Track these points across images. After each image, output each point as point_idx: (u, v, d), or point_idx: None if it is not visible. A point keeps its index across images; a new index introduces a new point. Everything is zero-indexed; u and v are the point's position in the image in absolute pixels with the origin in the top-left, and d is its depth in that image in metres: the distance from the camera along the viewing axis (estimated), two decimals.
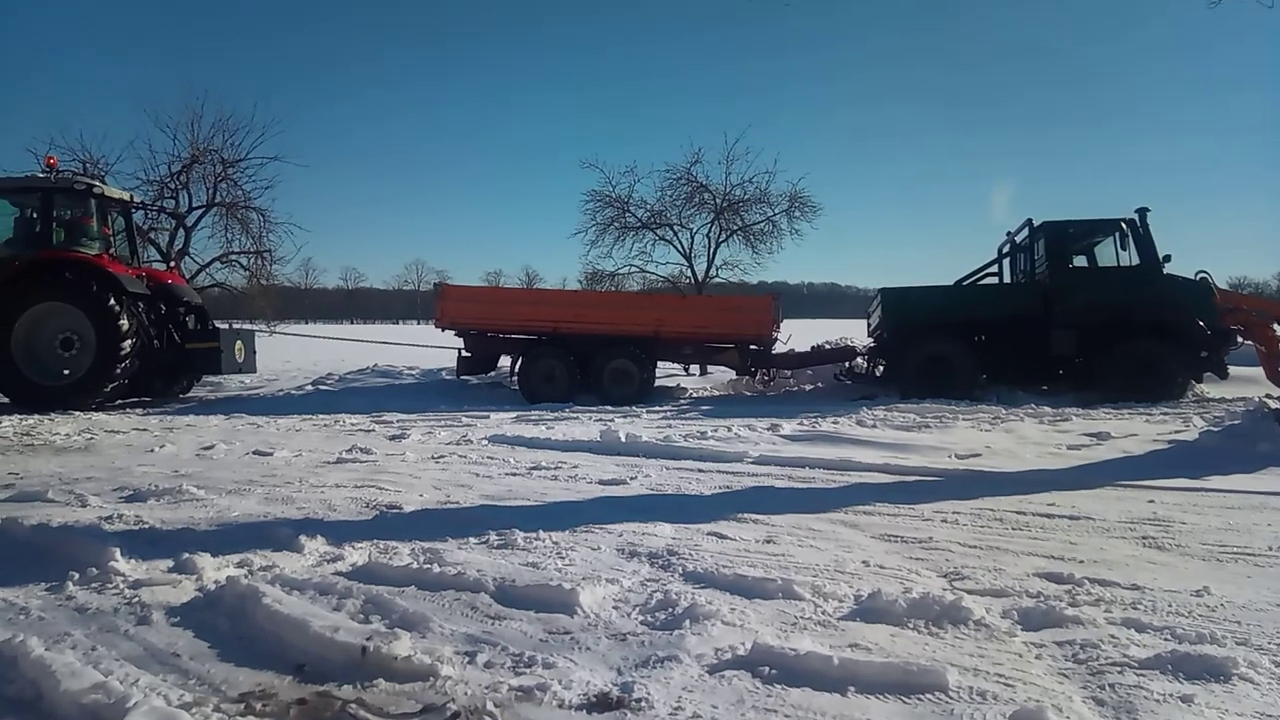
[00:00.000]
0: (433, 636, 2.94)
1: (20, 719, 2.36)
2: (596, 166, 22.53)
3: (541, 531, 4.36)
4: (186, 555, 3.81)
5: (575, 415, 11.20)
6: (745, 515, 4.81)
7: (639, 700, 2.41)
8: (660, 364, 14.59)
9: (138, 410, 12.47)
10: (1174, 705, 2.37)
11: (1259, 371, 12.31)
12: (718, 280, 22.68)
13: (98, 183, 13.72)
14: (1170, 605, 3.23)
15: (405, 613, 3.13)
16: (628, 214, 22.33)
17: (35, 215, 12.88)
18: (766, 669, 2.62)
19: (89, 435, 9.10)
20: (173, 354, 13.50)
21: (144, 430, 9.65)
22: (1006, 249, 14.57)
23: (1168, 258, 12.51)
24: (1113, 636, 2.88)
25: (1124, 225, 12.61)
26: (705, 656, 2.75)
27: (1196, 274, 12.61)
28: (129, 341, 12.36)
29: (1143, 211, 12.59)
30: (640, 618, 3.14)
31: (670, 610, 3.17)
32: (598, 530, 4.47)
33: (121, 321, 12.26)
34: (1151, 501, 5.19)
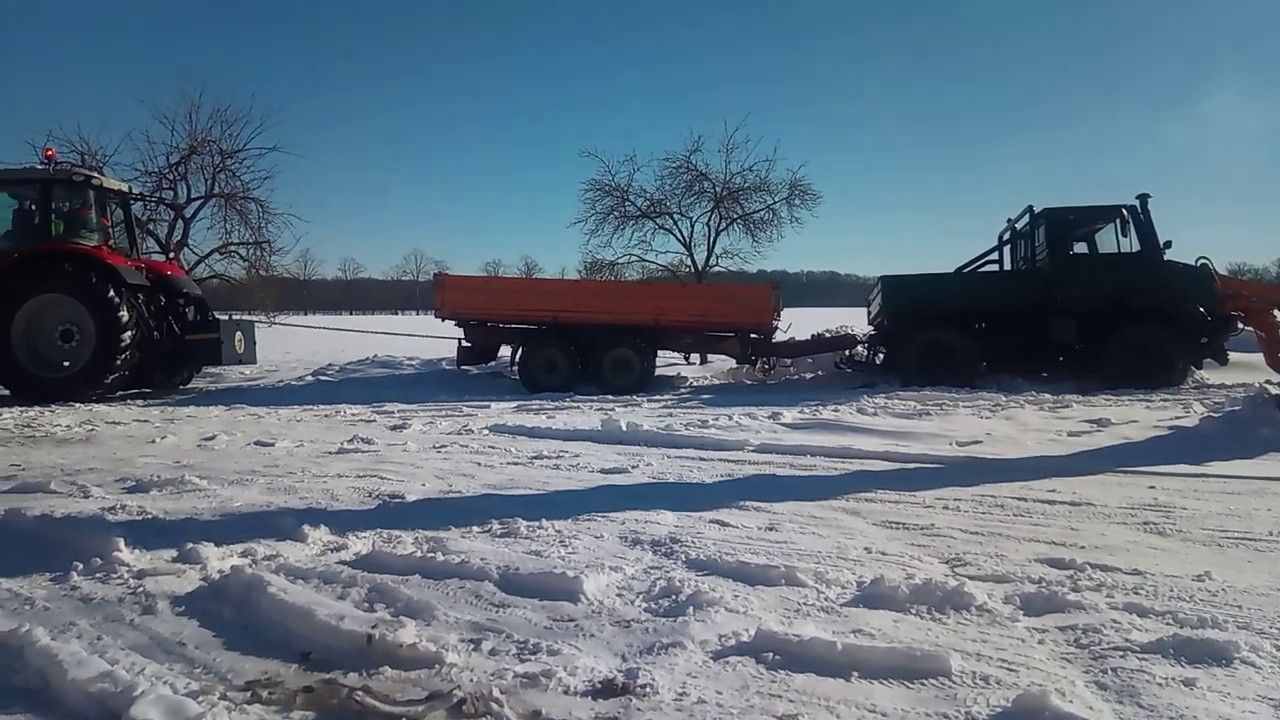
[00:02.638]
0: (437, 624, 2.95)
1: (27, 708, 2.37)
2: (596, 155, 22.50)
3: (544, 520, 4.37)
4: (190, 545, 3.82)
5: (576, 405, 11.21)
6: (747, 503, 4.82)
7: (644, 686, 2.42)
8: (661, 353, 14.59)
9: (138, 401, 12.47)
10: (1176, 689, 2.38)
11: (1259, 357, 12.38)
12: (717, 269, 22.69)
13: (96, 174, 13.68)
14: (1172, 590, 3.24)
15: (410, 601, 3.14)
16: (627, 203, 22.32)
17: (34, 207, 12.83)
18: (770, 655, 2.63)
19: (90, 426, 9.10)
20: (173, 345, 13.48)
21: (145, 421, 9.65)
22: (1007, 236, 14.56)
23: (1168, 244, 12.50)
24: (1115, 621, 2.89)
25: (1125, 212, 12.59)
26: (709, 643, 2.76)
27: (1197, 260, 12.63)
28: (129, 333, 12.35)
29: (1143, 198, 12.58)
30: (644, 605, 3.15)
31: (674, 597, 3.18)
32: (600, 518, 4.48)
33: (121, 313, 12.25)
34: (1152, 487, 5.21)
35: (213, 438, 7.97)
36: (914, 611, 3.04)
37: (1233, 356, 12.54)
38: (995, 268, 14.54)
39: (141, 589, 3.37)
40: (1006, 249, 14.60)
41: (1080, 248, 13.50)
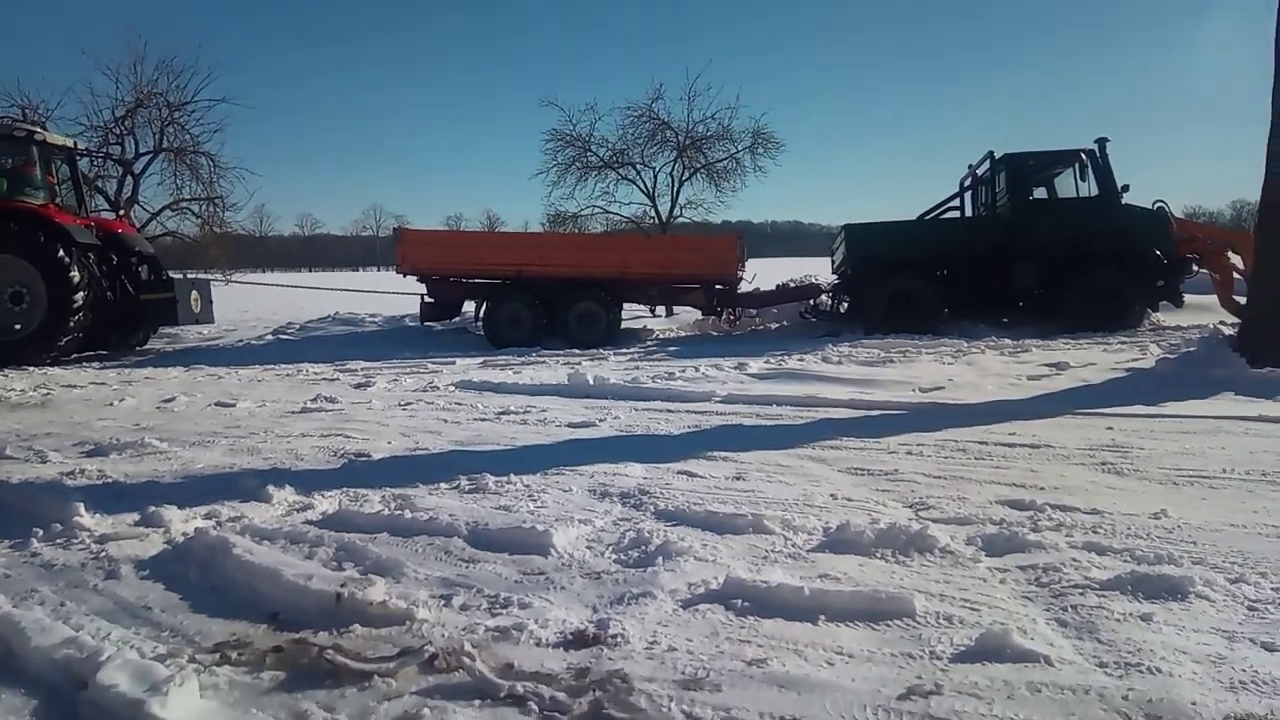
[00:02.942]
0: (407, 581, 2.94)
1: None
2: (556, 105, 22.31)
3: (512, 475, 4.36)
4: (153, 508, 3.76)
5: (542, 359, 11.17)
6: (714, 453, 4.85)
7: (615, 636, 2.44)
8: (626, 306, 14.55)
9: (94, 364, 12.21)
10: (1134, 624, 2.45)
11: (1214, 299, 12.63)
12: (682, 220, 22.64)
13: (39, 129, 13.21)
14: (1129, 528, 3.32)
15: (378, 559, 3.13)
16: (589, 153, 22.15)
17: None
18: (739, 601, 2.66)
19: (45, 390, 8.91)
20: (127, 306, 13.19)
21: (102, 384, 9.46)
22: (968, 182, 14.62)
23: (1125, 188, 12.63)
24: (1074, 560, 2.96)
25: (1083, 156, 12.69)
26: (679, 592, 2.79)
27: (1154, 204, 12.79)
28: (81, 294, 12.05)
29: (1102, 142, 12.67)
30: (614, 556, 3.17)
31: (643, 548, 3.20)
32: (568, 472, 4.48)
33: (72, 273, 11.93)
34: (1110, 428, 5.31)
35: (172, 399, 7.84)
36: (879, 555, 3.09)
37: (1188, 299, 12.78)
38: (957, 214, 14.62)
39: (104, 554, 3.32)
40: (968, 195, 14.68)
41: (1040, 193, 13.61)
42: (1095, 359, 8.88)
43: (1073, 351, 9.58)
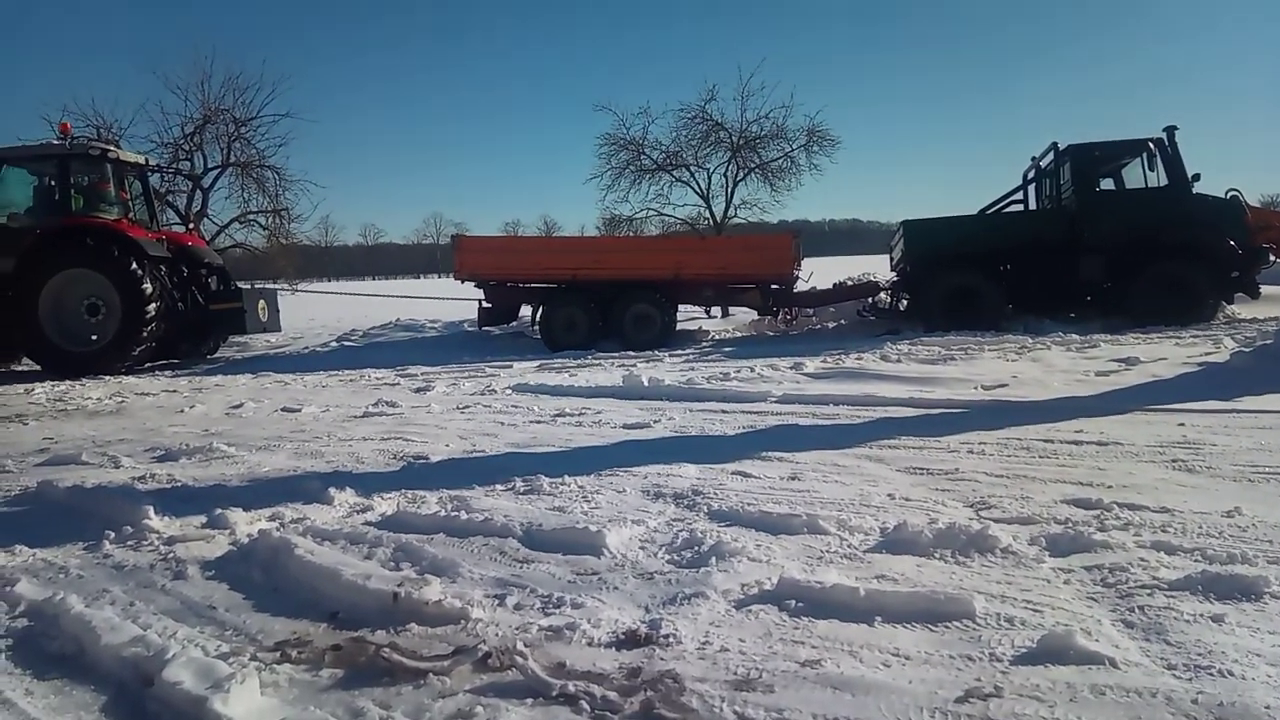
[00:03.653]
0: (462, 581, 2.97)
1: (63, 673, 2.42)
2: (609, 109, 22.32)
3: (567, 476, 4.38)
4: (219, 511, 3.87)
5: (597, 361, 11.21)
6: (769, 454, 4.81)
7: (667, 636, 2.43)
8: (681, 307, 14.52)
9: (166, 372, 12.64)
10: (1204, 625, 2.36)
11: None
12: (737, 220, 22.49)
13: (112, 147, 13.72)
14: (1200, 527, 3.19)
15: (435, 559, 3.17)
16: (643, 156, 22.12)
17: (53, 183, 12.92)
18: (793, 602, 2.63)
19: (120, 398, 9.23)
20: (198, 315, 13.60)
21: (173, 391, 9.78)
22: (1031, 175, 14.29)
23: (1197, 176, 12.21)
24: (1142, 560, 2.86)
25: (1151, 145, 12.30)
26: (732, 592, 2.76)
27: (1227, 192, 12.33)
28: (153, 305, 12.45)
29: (1170, 130, 12.26)
30: (666, 557, 3.16)
31: (696, 549, 3.18)
32: (622, 473, 4.48)
33: (145, 285, 12.35)
34: (1181, 425, 5.13)
35: (240, 405, 8.06)
36: (937, 556, 3.02)
37: (1265, 290, 12.30)
38: (1020, 208, 14.29)
39: (172, 555, 3.42)
40: (1031, 188, 14.34)
41: (1107, 184, 13.23)
42: (1166, 354, 8.59)
43: (1143, 346, 9.27)
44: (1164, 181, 12.29)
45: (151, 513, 3.85)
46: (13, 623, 2.81)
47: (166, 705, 2.16)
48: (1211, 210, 12.16)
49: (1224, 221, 12.04)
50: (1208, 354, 8.35)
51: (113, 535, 3.66)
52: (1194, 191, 12.21)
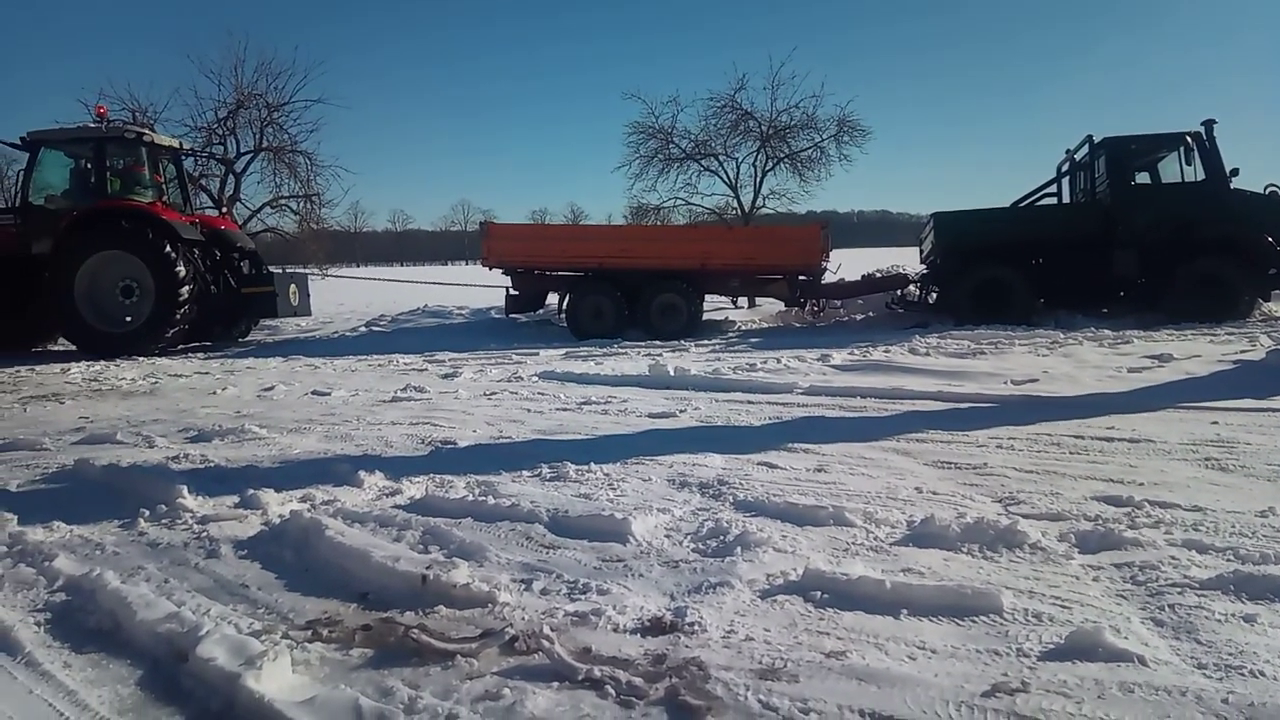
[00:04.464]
0: (490, 565, 3.00)
1: (99, 648, 2.47)
2: (638, 98, 22.34)
3: (593, 464, 4.40)
4: (251, 491, 3.93)
5: (624, 350, 11.23)
6: (796, 445, 4.80)
7: (692, 624, 2.45)
8: (708, 297, 14.50)
9: (199, 354, 12.82)
10: (1236, 625, 2.33)
11: None
12: (765, 211, 22.38)
13: (147, 131, 13.89)
14: (1233, 526, 3.16)
15: (463, 543, 3.20)
16: (671, 145, 22.05)
17: (89, 165, 13.10)
18: (818, 593, 2.63)
19: (153, 380, 9.38)
20: (229, 299, 13.77)
21: (206, 374, 9.91)
22: (1066, 168, 14.11)
23: (1235, 171, 12.02)
24: (1173, 558, 2.83)
25: (1189, 139, 12.11)
26: (757, 582, 2.77)
27: (1266, 188, 12.11)
28: (187, 287, 12.62)
29: (1209, 124, 12.06)
30: (692, 545, 3.17)
31: (721, 538, 3.19)
32: (648, 462, 4.50)
33: (178, 268, 12.51)
34: (1215, 423, 5.06)
35: (271, 388, 8.16)
36: (965, 550, 3.01)
37: None
38: (1053, 201, 14.11)
39: (205, 534, 3.48)
40: (1065, 181, 14.17)
41: (1142, 178, 13.06)
42: (1201, 351, 8.46)
43: (1177, 343, 9.14)
44: (1201, 176, 12.11)
45: (185, 492, 3.91)
46: (51, 597, 2.87)
47: (200, 681, 2.20)
48: (1249, 206, 11.96)
49: (1262, 218, 11.84)
50: (1243, 352, 8.22)
51: (148, 514, 3.73)
52: (1232, 187, 12.01)
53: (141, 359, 11.88)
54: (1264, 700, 1.93)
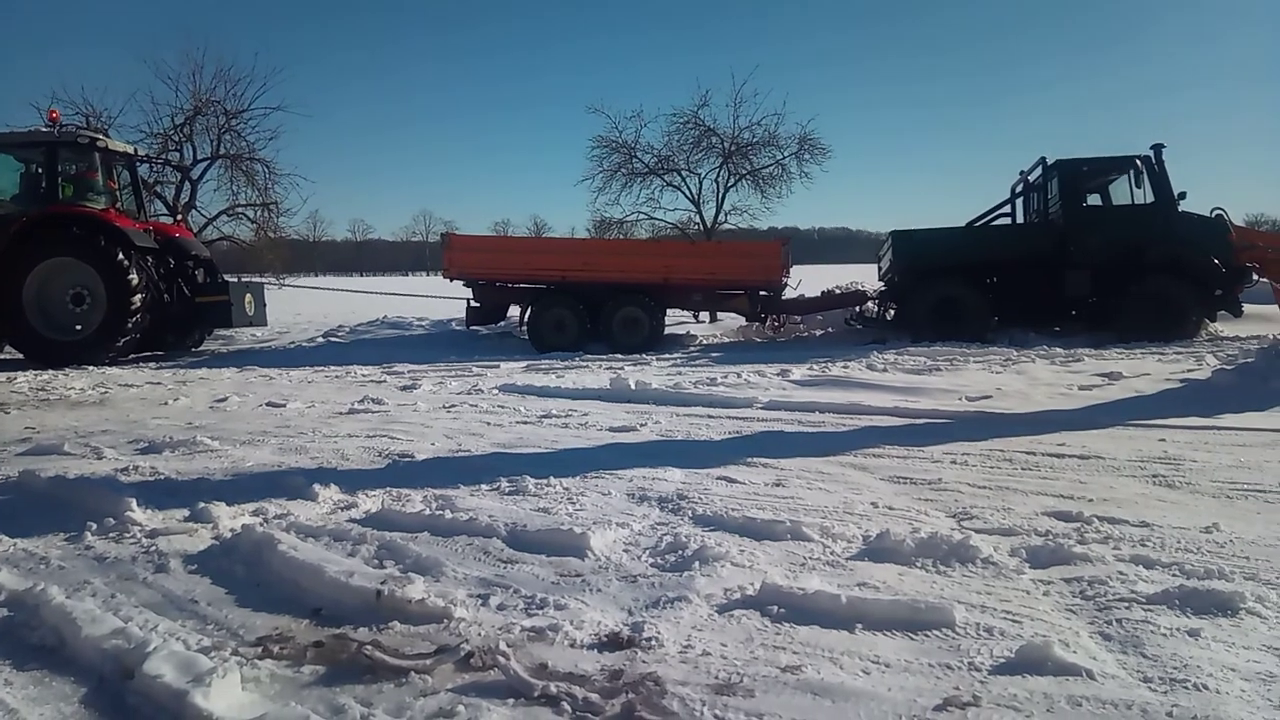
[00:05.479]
0: (446, 580, 2.98)
1: (43, 665, 2.41)
2: (602, 111, 22.23)
3: (552, 478, 4.39)
4: (202, 504, 3.85)
5: (585, 364, 11.21)
6: (755, 459, 4.83)
7: (649, 639, 2.45)
8: (670, 311, 14.53)
9: (151, 364, 12.54)
10: (1181, 639, 2.39)
11: (1274, 309, 12.26)
12: (727, 226, 22.48)
13: (101, 136, 13.63)
14: (1179, 542, 3.23)
15: (419, 558, 3.17)
16: (635, 159, 22.05)
17: (40, 170, 12.82)
18: (775, 608, 2.65)
19: (103, 389, 9.17)
20: (183, 308, 13.52)
21: (157, 384, 9.71)
22: (1020, 188, 14.38)
23: (1183, 195, 12.34)
24: (1121, 573, 2.89)
25: (1138, 162, 12.42)
26: (715, 597, 2.78)
27: (1212, 211, 12.45)
28: (139, 296, 12.38)
29: (1158, 148, 12.39)
30: (650, 560, 3.17)
31: (680, 552, 3.20)
32: (608, 476, 4.49)
33: (130, 276, 12.27)
34: (1162, 440, 5.18)
35: (225, 399, 8.02)
36: (919, 565, 3.05)
37: (1247, 308, 12.42)
38: (1008, 221, 14.38)
39: (154, 548, 3.41)
40: (1019, 202, 14.43)
41: (1094, 199, 13.35)
42: (1149, 369, 8.67)
43: (1126, 361, 9.35)
44: (1150, 198, 12.42)
45: (134, 505, 3.83)
46: None
47: (147, 698, 2.15)
48: (1196, 228, 12.28)
49: (1208, 239, 12.16)
50: (1190, 371, 8.44)
51: (95, 527, 3.64)
52: (1179, 209, 12.33)
53: (92, 368, 11.60)
54: (1207, 714, 1.98)
